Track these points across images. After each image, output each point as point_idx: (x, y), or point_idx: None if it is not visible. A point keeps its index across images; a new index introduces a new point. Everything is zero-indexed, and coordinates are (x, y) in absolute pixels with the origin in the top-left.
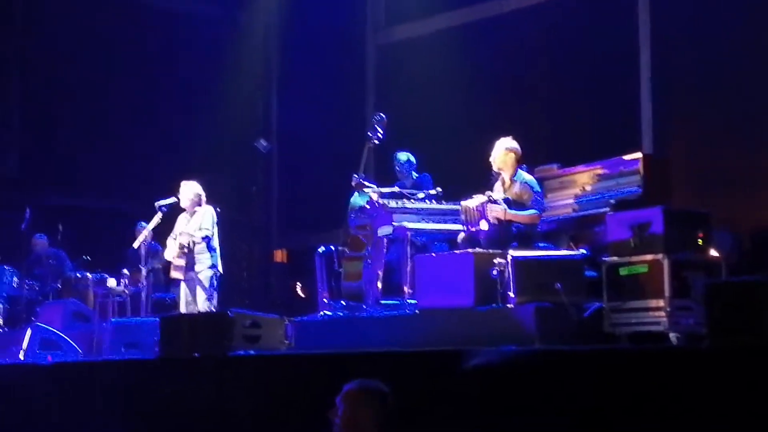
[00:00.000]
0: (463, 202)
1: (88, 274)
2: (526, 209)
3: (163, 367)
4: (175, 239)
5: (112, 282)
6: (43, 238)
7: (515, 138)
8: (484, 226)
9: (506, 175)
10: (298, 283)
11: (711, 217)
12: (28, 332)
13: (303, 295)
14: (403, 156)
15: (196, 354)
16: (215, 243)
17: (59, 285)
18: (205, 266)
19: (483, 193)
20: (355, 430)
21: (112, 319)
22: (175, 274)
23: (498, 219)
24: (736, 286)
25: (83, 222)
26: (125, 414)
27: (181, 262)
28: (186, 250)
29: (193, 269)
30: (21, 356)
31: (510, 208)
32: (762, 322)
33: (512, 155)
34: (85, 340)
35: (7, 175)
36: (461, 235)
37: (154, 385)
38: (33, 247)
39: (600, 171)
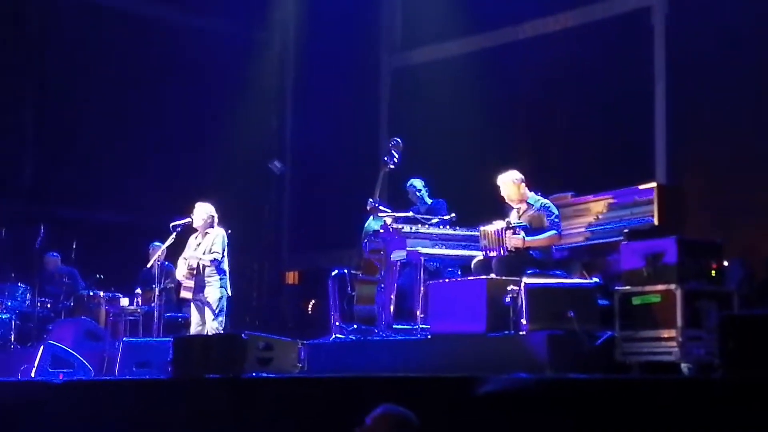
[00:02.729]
0: (482, 227)
1: (100, 292)
2: (545, 231)
3: (176, 388)
4: (185, 259)
5: (124, 301)
6: (56, 256)
7: (529, 164)
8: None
9: (522, 204)
10: (312, 301)
11: (724, 248)
12: (40, 350)
13: (310, 312)
14: (418, 183)
15: (208, 375)
16: (225, 266)
17: (71, 303)
18: (214, 288)
19: (500, 220)
20: None
21: (124, 339)
22: (184, 294)
23: (517, 248)
24: (751, 319)
25: (97, 238)
26: None
27: (190, 283)
28: (195, 272)
29: (202, 291)
30: (32, 374)
31: (528, 234)
32: None
33: (522, 185)
34: (96, 359)
35: (21, 188)
36: (476, 261)
37: (165, 405)
38: (46, 265)
39: (614, 200)
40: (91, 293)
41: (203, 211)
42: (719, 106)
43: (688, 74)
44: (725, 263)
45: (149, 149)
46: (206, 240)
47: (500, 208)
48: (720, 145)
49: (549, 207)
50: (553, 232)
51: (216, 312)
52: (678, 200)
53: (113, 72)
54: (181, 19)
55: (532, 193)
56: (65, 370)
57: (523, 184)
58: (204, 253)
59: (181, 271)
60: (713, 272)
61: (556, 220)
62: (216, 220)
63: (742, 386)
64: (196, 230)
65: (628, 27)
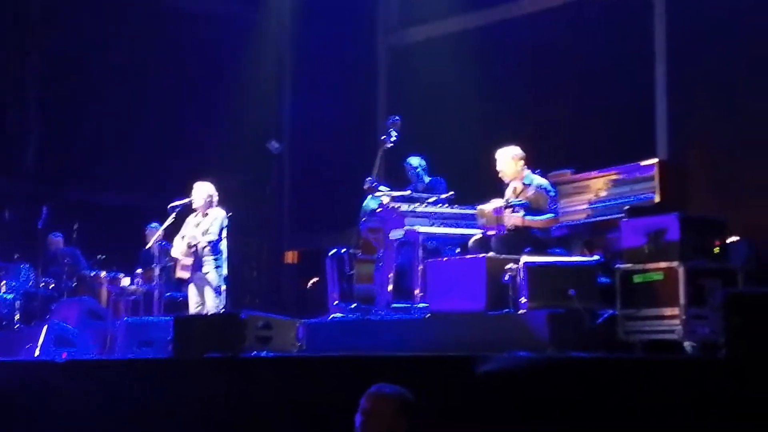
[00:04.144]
0: (479, 206)
1: (102, 272)
2: (543, 213)
3: (176, 367)
4: (183, 238)
5: (125, 281)
6: (59, 237)
7: (528, 142)
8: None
9: (518, 182)
10: (314, 279)
11: (728, 225)
12: (44, 329)
13: (309, 287)
14: (415, 160)
15: (208, 354)
16: (222, 246)
17: (74, 283)
18: (211, 267)
19: (498, 198)
20: None
21: (125, 318)
22: (180, 273)
23: (516, 226)
24: (755, 297)
25: (98, 218)
26: (137, 412)
27: (189, 261)
28: (193, 250)
29: (200, 269)
30: (36, 353)
31: (527, 212)
32: None
33: (521, 162)
34: (98, 338)
35: (25, 169)
36: (473, 239)
37: (166, 384)
38: (49, 245)
39: (615, 176)
40: (93, 273)
41: (203, 190)
42: (721, 82)
43: (689, 50)
44: (729, 240)
45: (150, 131)
46: (206, 220)
47: (499, 187)
48: (723, 122)
49: (546, 187)
50: (551, 215)
51: (215, 291)
52: (680, 177)
53: (114, 55)
54: (179, 1)
55: (529, 171)
56: (68, 349)
57: (522, 162)
58: (202, 234)
59: (177, 249)
60: (716, 249)
61: (553, 203)
62: (216, 199)
63: (746, 365)
64: (195, 210)
65: (629, 2)
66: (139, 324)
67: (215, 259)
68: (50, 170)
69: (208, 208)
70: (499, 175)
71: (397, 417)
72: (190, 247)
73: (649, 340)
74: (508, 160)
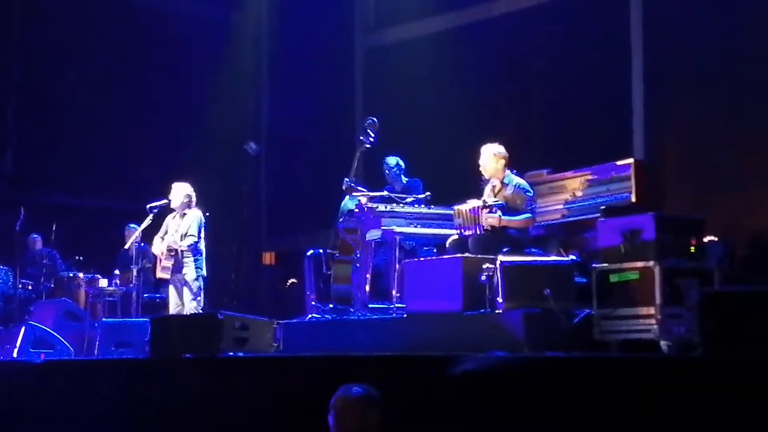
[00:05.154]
0: (456, 206)
1: (80, 274)
2: (520, 213)
3: (153, 368)
4: (162, 238)
5: (103, 282)
6: (38, 238)
7: (504, 142)
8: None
9: (497, 180)
10: (292, 280)
11: (704, 224)
12: (22, 331)
13: (288, 286)
14: (392, 160)
15: (185, 355)
16: (201, 246)
17: (52, 284)
18: (190, 269)
19: (474, 199)
20: None
21: (103, 319)
22: (161, 274)
23: (492, 226)
24: (731, 296)
25: (76, 221)
26: (115, 413)
27: (169, 263)
28: (173, 252)
29: (180, 271)
30: (14, 354)
31: (504, 213)
32: (757, 332)
33: (502, 161)
34: (76, 339)
35: (2, 173)
36: (451, 239)
37: (143, 385)
38: (28, 246)
39: (591, 176)
40: (71, 275)
41: (181, 191)
42: (697, 80)
43: (665, 48)
44: (706, 240)
45: (127, 133)
46: (184, 222)
47: (476, 187)
48: (699, 121)
49: (524, 187)
50: (528, 215)
51: (193, 292)
52: (656, 176)
53: (92, 57)
54: (157, 2)
55: (508, 171)
56: (46, 351)
57: (503, 161)
58: (181, 237)
59: (157, 248)
60: (693, 249)
61: (531, 202)
62: (194, 200)
63: (722, 364)
64: (173, 210)
65: (604, 1)
66: (116, 325)
67: (195, 260)
68: (28, 173)
69: (186, 209)
70: (480, 170)
71: (365, 413)
72: (169, 249)
73: (625, 339)
74: (490, 156)
